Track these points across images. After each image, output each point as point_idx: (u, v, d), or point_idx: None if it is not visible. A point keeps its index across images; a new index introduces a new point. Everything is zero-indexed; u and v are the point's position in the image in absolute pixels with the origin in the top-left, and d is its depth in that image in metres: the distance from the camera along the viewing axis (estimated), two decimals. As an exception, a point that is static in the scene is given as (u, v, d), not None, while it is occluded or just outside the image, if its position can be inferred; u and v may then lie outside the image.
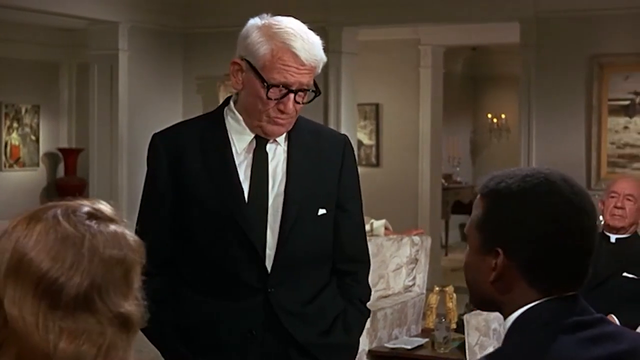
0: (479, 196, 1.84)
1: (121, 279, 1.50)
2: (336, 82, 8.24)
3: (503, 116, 14.02)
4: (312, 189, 2.65)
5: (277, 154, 2.66)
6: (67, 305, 1.44)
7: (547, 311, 1.75)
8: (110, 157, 8.37)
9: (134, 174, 8.38)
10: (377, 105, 10.41)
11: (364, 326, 2.87)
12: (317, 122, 2.91)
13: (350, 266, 2.76)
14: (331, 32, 7.75)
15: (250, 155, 2.64)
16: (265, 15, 2.63)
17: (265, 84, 2.51)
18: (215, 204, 2.61)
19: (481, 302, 1.89)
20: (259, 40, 2.54)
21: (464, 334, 4.73)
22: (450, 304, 5.08)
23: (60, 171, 11.20)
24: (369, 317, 2.86)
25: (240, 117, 2.64)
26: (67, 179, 10.95)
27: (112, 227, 1.53)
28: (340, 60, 8.16)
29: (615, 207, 4.69)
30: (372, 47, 9.44)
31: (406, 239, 5.48)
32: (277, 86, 2.51)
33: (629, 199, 4.68)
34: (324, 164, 2.70)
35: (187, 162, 2.65)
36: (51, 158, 11.19)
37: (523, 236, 1.74)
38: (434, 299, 5.15)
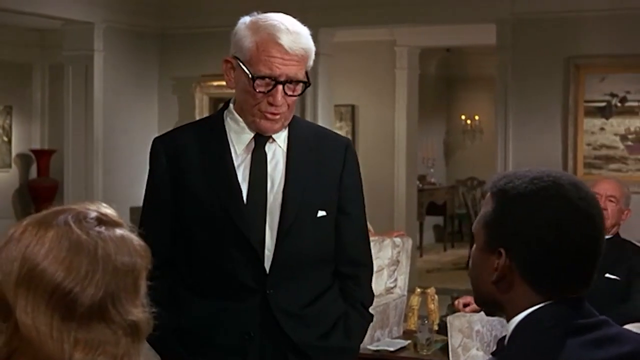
0: (488, 194, 1.83)
1: (131, 286, 1.47)
2: (312, 84, 8.20)
3: (476, 117, 14.08)
4: (311, 190, 2.63)
5: (277, 154, 2.64)
6: (82, 316, 1.41)
7: (552, 314, 1.74)
8: (85, 158, 8.29)
9: (109, 175, 8.32)
10: (353, 107, 10.40)
11: (366, 331, 2.84)
12: (319, 124, 2.88)
13: (352, 269, 2.74)
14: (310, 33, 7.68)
15: (249, 156, 2.63)
16: (254, 13, 2.62)
17: (251, 76, 2.50)
18: (213, 204, 2.59)
19: (483, 301, 1.88)
20: (245, 35, 2.54)
21: (446, 335, 4.72)
22: (432, 306, 5.08)
23: (33, 172, 11.10)
24: (371, 321, 2.83)
25: (239, 118, 2.63)
26: (40, 180, 10.86)
27: (119, 231, 1.50)
28: (317, 61, 8.09)
29: (598, 208, 4.69)
30: (348, 49, 9.42)
31: (387, 241, 5.47)
32: (263, 78, 2.49)
33: (611, 200, 4.70)
34: (324, 166, 2.68)
35: (187, 163, 2.64)
36: (23, 159, 11.09)
37: (525, 239, 1.73)
38: (415, 300, 5.14)
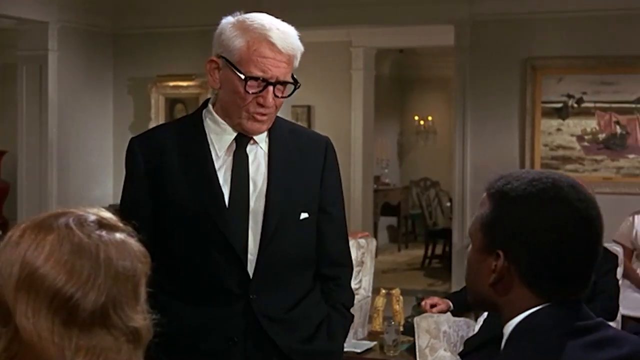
0: (485, 194, 1.82)
1: (131, 291, 1.44)
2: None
3: (430, 118, 14.14)
4: (293, 192, 2.60)
5: (258, 156, 2.60)
6: (84, 322, 1.38)
7: (551, 316, 1.73)
8: (39, 160, 8.15)
9: (64, 177, 8.20)
10: (309, 107, 10.38)
11: (348, 331, 2.83)
12: (297, 123, 2.85)
13: (333, 270, 2.72)
14: (265, 33, 7.64)
15: (230, 157, 2.58)
16: (237, 13, 2.58)
17: (242, 76, 2.46)
18: (195, 208, 2.54)
19: (478, 302, 1.88)
20: (233, 34, 2.50)
21: (411, 336, 4.72)
22: (397, 307, 5.06)
23: (-17, 174, 10.91)
24: (352, 322, 2.82)
25: (220, 119, 2.58)
26: (-10, 182, 10.67)
27: (119, 235, 1.47)
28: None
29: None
30: (305, 49, 9.34)
31: (352, 242, 5.44)
32: (256, 79, 2.46)
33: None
34: (306, 166, 2.65)
35: (166, 166, 2.58)
36: (-27, 161, 10.90)
37: (524, 241, 1.73)
38: (380, 301, 5.12)
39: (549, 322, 1.72)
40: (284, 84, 2.52)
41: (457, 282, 7.81)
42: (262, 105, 2.49)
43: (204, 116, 2.63)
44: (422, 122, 14.15)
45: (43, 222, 1.45)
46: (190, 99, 8.43)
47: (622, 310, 5.33)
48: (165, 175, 2.58)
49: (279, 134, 2.63)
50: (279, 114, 2.64)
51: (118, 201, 8.69)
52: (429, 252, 11.85)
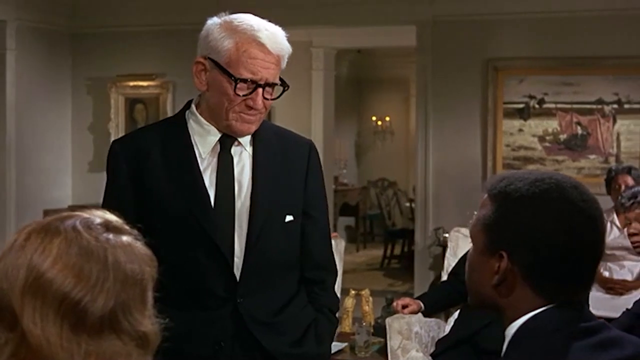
0: (486, 195, 1.81)
1: (139, 295, 1.42)
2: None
3: (387, 119, 14.17)
4: (279, 194, 2.57)
5: (243, 157, 2.57)
6: (93, 327, 1.34)
7: (556, 318, 1.73)
8: (-4, 160, 8.03)
9: (22, 178, 8.07)
10: (269, 108, 10.33)
11: (334, 336, 2.81)
12: (281, 126, 2.84)
13: (318, 274, 2.70)
14: (227, 33, 7.60)
15: (215, 159, 2.55)
16: (222, 14, 2.55)
17: (232, 78, 2.43)
18: (180, 211, 2.50)
19: (480, 303, 1.86)
20: (221, 36, 2.46)
21: (382, 337, 4.72)
22: (366, 307, 5.06)
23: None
24: (337, 326, 2.81)
25: (203, 120, 2.55)
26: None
27: (125, 238, 1.44)
28: (237, 61, 8.03)
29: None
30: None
31: (321, 243, 5.42)
32: (245, 81, 2.43)
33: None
34: (290, 169, 2.63)
35: (149, 168, 2.53)
36: None
37: (529, 242, 1.72)
38: (350, 302, 5.12)
39: (554, 324, 1.72)
40: (273, 85, 2.49)
41: (419, 282, 7.83)
42: (251, 108, 2.47)
43: (187, 118, 2.59)
44: (379, 123, 14.18)
45: (49, 225, 1.42)
46: (150, 99, 8.36)
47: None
48: (149, 178, 2.54)
49: (264, 136, 2.61)
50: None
51: (77, 202, 8.52)
52: (388, 252, 11.87)
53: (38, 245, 1.38)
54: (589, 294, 1.79)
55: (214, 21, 2.52)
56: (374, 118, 14.24)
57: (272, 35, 2.47)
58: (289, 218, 2.60)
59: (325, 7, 7.85)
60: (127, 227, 1.49)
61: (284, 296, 2.63)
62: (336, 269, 2.80)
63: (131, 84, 8.39)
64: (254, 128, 2.54)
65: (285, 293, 2.63)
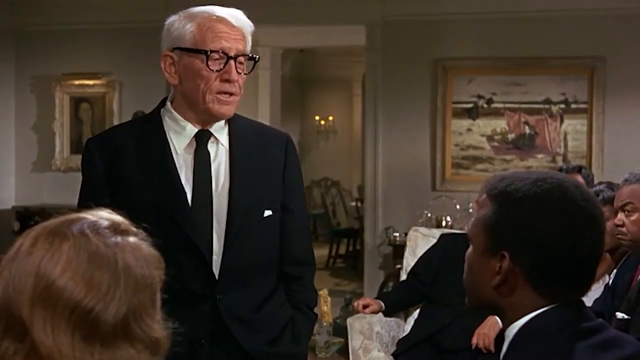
0: (485, 196, 1.80)
1: (149, 300, 1.38)
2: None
3: (330, 118, 14.18)
4: (257, 190, 2.55)
5: (219, 153, 2.55)
6: (106, 335, 1.30)
7: (558, 318, 1.73)
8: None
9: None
10: (215, 107, 10.25)
11: (312, 332, 2.79)
12: (257, 120, 2.81)
13: (297, 269, 2.68)
14: (174, 32, 7.53)
15: (191, 156, 2.52)
16: (180, 12, 2.56)
17: (203, 52, 2.42)
18: (157, 208, 2.46)
19: (479, 304, 1.85)
20: (182, 23, 2.48)
21: (341, 337, 4.71)
22: (325, 308, 5.05)
23: None
24: (315, 322, 2.79)
25: (179, 116, 2.52)
26: None
27: (132, 239, 1.40)
28: (184, 61, 7.96)
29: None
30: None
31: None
32: (216, 52, 2.42)
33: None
34: (268, 163, 2.61)
35: (125, 166, 2.50)
36: None
37: (532, 241, 1.72)
38: (308, 303, 5.09)
39: (557, 324, 1.72)
40: (244, 57, 2.49)
41: (369, 282, 7.84)
42: (227, 81, 2.45)
43: (162, 115, 2.57)
44: (322, 122, 14.19)
45: (56, 229, 1.37)
46: (96, 98, 8.24)
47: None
48: (125, 176, 2.50)
49: (239, 130, 2.59)
50: (236, 112, 2.60)
51: (20, 203, 8.36)
52: (333, 251, 11.87)
53: (46, 252, 1.33)
54: (587, 293, 1.79)
55: (173, 17, 2.54)
56: (317, 117, 14.25)
57: (233, 12, 2.50)
58: (267, 213, 2.58)
59: (274, 7, 7.81)
60: (133, 227, 1.45)
61: (263, 293, 2.61)
62: (315, 262, 2.78)
63: (76, 82, 8.26)
64: (232, 109, 2.52)
65: (264, 290, 2.61)
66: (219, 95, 2.46)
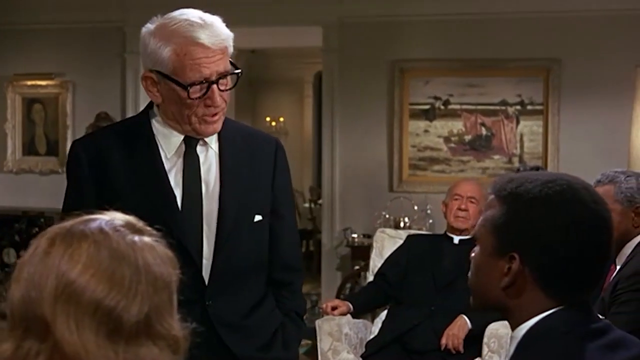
0: (492, 197, 1.80)
1: (168, 298, 1.38)
2: (134, 85, 7.95)
3: (281, 119, 14.15)
4: (247, 194, 2.52)
5: (209, 157, 2.51)
6: (130, 333, 1.29)
7: (567, 319, 1.73)
8: None
9: None
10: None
11: (301, 340, 2.78)
12: (246, 124, 2.78)
13: (286, 275, 2.66)
14: (129, 33, 7.47)
15: (181, 159, 2.48)
16: (154, 18, 2.42)
17: (183, 86, 2.34)
18: (146, 212, 2.37)
19: (485, 305, 1.85)
20: (158, 46, 2.35)
21: (308, 339, 4.69)
22: (291, 310, 5.02)
23: None
24: (305, 330, 2.77)
25: (166, 122, 2.48)
26: None
27: (147, 239, 1.39)
28: (139, 62, 7.87)
29: (459, 209, 4.82)
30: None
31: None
32: (197, 84, 2.34)
33: (471, 201, 4.82)
34: (257, 167, 2.58)
35: (113, 169, 2.45)
36: None
37: (543, 243, 1.72)
38: (274, 305, 5.07)
39: (566, 325, 1.72)
40: (226, 76, 2.40)
41: (326, 283, 7.84)
42: (211, 106, 2.40)
43: (151, 117, 2.52)
44: (273, 123, 14.15)
45: (72, 228, 1.36)
46: (49, 99, 8.13)
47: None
48: (113, 179, 2.46)
49: (229, 134, 2.55)
50: (227, 116, 2.56)
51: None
52: (286, 253, 11.83)
53: (64, 251, 1.32)
54: (594, 294, 1.80)
55: (147, 29, 2.40)
56: (268, 119, 14.20)
57: (209, 30, 2.35)
58: (257, 218, 2.55)
59: (231, 7, 7.76)
60: (148, 228, 1.43)
61: (253, 299, 2.58)
62: (303, 269, 2.77)
63: (29, 83, 8.14)
64: (219, 126, 2.47)
65: (254, 296, 2.59)
66: (205, 117, 2.41)
